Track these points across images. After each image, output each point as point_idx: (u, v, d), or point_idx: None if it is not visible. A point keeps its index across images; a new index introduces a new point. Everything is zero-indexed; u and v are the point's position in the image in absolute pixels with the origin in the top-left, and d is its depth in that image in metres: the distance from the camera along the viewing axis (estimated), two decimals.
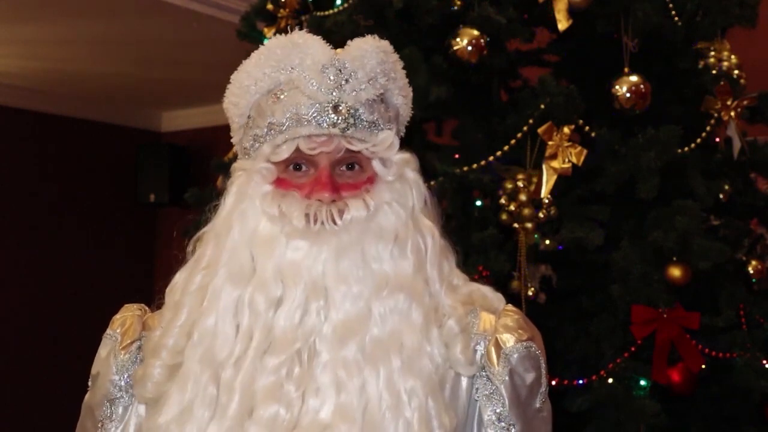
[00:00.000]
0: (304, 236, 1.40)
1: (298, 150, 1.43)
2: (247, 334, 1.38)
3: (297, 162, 1.45)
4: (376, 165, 1.46)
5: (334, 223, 1.40)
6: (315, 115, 1.42)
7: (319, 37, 1.48)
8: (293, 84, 1.44)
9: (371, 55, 1.45)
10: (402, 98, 1.55)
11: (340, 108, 1.42)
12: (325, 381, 1.35)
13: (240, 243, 1.43)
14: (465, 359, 1.43)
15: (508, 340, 1.45)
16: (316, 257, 1.39)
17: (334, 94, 1.42)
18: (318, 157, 1.44)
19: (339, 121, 1.42)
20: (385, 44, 1.49)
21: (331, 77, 1.42)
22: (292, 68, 1.45)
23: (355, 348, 1.36)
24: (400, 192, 1.47)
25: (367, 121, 1.44)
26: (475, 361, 1.45)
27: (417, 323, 1.40)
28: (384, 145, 1.45)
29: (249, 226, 1.43)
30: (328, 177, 1.43)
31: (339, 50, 1.46)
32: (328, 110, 1.42)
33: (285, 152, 1.44)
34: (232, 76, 1.53)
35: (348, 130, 1.42)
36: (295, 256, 1.40)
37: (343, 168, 1.45)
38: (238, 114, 1.52)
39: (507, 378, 1.44)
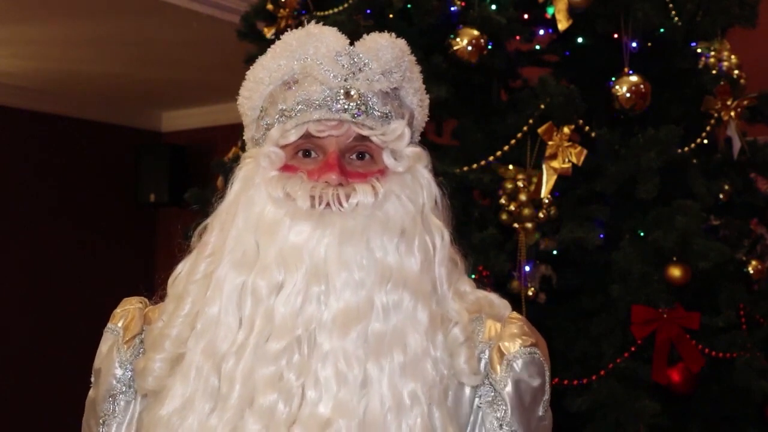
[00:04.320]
0: (308, 218, 1.37)
1: (307, 135, 1.41)
2: (249, 322, 1.36)
3: (306, 148, 1.43)
4: (387, 158, 1.43)
5: (341, 205, 1.38)
6: (326, 99, 1.40)
7: (335, 28, 1.46)
8: (306, 72, 1.42)
9: (387, 49, 1.43)
10: (417, 101, 1.52)
11: (352, 94, 1.40)
12: (325, 374, 1.32)
13: (244, 230, 1.40)
14: (469, 369, 1.40)
15: (512, 346, 1.42)
16: (319, 241, 1.36)
17: (347, 80, 1.40)
18: (327, 142, 1.41)
19: (350, 107, 1.40)
20: (402, 43, 1.47)
21: (345, 64, 1.40)
22: (306, 57, 1.43)
23: (356, 339, 1.33)
24: (410, 187, 1.44)
25: (379, 112, 1.42)
26: (479, 370, 1.42)
27: (422, 324, 1.37)
28: (395, 134, 1.42)
29: (254, 212, 1.41)
30: (336, 159, 1.40)
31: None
32: (339, 96, 1.40)
33: (293, 135, 1.41)
34: (246, 73, 1.50)
35: (359, 116, 1.40)
36: (297, 239, 1.37)
37: (353, 157, 1.43)
38: (251, 107, 1.50)
39: (510, 384, 1.41)
